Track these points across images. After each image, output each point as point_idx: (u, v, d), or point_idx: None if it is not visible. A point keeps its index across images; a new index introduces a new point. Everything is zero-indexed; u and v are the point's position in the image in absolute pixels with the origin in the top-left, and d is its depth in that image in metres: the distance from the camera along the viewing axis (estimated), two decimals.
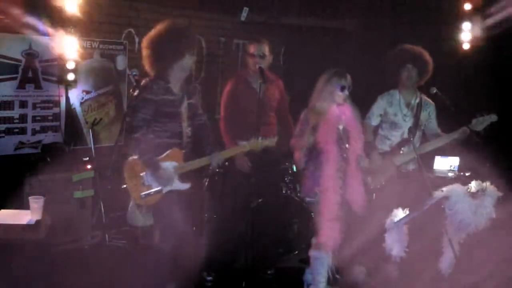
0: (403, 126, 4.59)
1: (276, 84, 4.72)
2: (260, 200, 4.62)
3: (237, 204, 4.56)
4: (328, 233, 3.98)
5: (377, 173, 4.45)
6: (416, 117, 4.61)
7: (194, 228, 5.07)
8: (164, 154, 3.68)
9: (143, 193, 3.66)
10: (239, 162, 4.45)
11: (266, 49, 4.51)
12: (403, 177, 4.50)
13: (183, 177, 3.74)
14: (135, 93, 3.72)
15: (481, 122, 4.38)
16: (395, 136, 4.62)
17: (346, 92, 4.04)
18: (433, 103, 4.72)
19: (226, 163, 4.50)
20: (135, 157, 3.69)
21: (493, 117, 4.40)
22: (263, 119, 4.43)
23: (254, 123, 4.22)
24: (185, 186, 3.76)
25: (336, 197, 3.98)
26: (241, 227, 4.86)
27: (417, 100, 4.65)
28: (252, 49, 4.51)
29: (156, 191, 3.67)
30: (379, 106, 4.63)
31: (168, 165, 3.67)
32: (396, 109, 4.61)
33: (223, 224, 4.64)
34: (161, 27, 3.70)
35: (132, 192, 3.68)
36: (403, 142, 4.57)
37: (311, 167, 4.09)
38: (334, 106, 4.03)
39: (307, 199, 4.24)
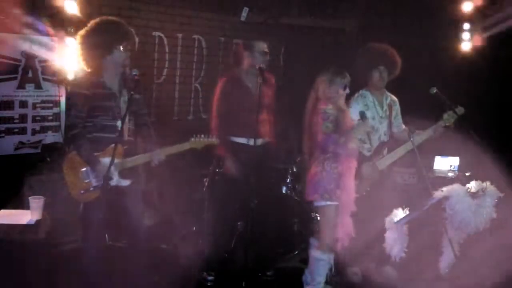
0: (379, 129, 4.53)
1: (270, 81, 4.70)
2: (257, 201, 4.60)
3: (236, 204, 4.56)
4: (346, 230, 3.96)
5: (362, 179, 4.34)
6: (390, 118, 4.56)
7: (194, 228, 5.11)
8: (104, 150, 3.67)
9: (82, 190, 3.65)
10: (226, 166, 4.43)
11: (266, 47, 4.52)
12: (384, 179, 4.45)
13: (123, 173, 3.72)
14: (69, 89, 3.72)
15: (452, 116, 4.32)
16: (373, 140, 4.50)
17: (348, 90, 4.06)
18: (396, 99, 4.68)
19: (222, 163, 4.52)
20: (75, 152, 3.68)
21: (461, 110, 4.35)
22: (258, 116, 4.43)
23: (249, 121, 4.22)
24: (125, 182, 3.74)
25: (353, 193, 3.98)
26: (240, 227, 4.87)
27: (388, 100, 4.61)
28: (257, 46, 4.48)
29: (95, 187, 3.66)
30: (356, 110, 4.41)
31: (108, 161, 3.59)
32: (373, 112, 4.51)
33: (222, 224, 4.63)
34: (92, 23, 3.72)
35: (70, 188, 3.68)
36: (383, 145, 4.49)
37: (327, 167, 3.96)
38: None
39: (317, 203, 4.03)
